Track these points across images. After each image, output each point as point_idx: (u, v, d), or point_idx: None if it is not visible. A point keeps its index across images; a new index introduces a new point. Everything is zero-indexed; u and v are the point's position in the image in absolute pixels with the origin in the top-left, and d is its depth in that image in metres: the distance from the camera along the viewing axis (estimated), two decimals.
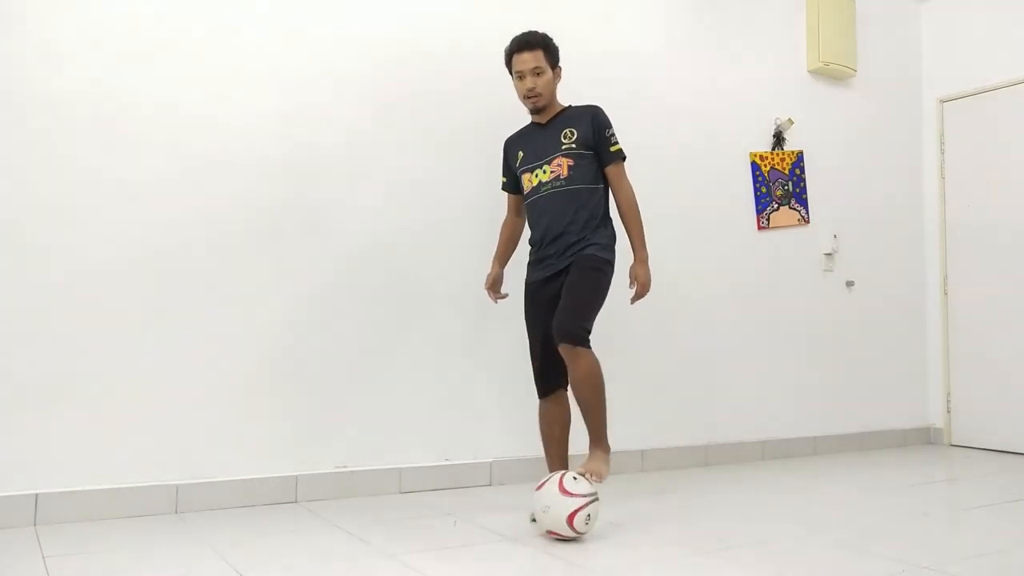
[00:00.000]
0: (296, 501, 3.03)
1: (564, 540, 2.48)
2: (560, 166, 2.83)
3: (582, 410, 2.73)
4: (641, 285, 2.86)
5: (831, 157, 4.64)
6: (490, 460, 3.45)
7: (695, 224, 4.12)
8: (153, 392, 2.83)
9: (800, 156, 4.50)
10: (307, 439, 3.09)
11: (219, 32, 3.01)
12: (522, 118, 3.05)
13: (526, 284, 2.97)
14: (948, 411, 4.88)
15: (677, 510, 2.99)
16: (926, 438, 4.95)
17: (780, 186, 4.43)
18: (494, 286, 3.11)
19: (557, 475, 2.52)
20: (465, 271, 3.40)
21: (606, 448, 2.75)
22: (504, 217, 3.15)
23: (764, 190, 4.38)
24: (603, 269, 2.80)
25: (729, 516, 2.91)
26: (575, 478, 2.51)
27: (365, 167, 3.27)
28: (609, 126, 2.88)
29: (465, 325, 3.43)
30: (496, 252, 3.14)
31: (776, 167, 4.42)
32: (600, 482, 2.59)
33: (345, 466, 3.16)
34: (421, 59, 3.41)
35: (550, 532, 2.49)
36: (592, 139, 2.84)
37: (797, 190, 4.49)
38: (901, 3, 5.06)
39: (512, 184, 3.05)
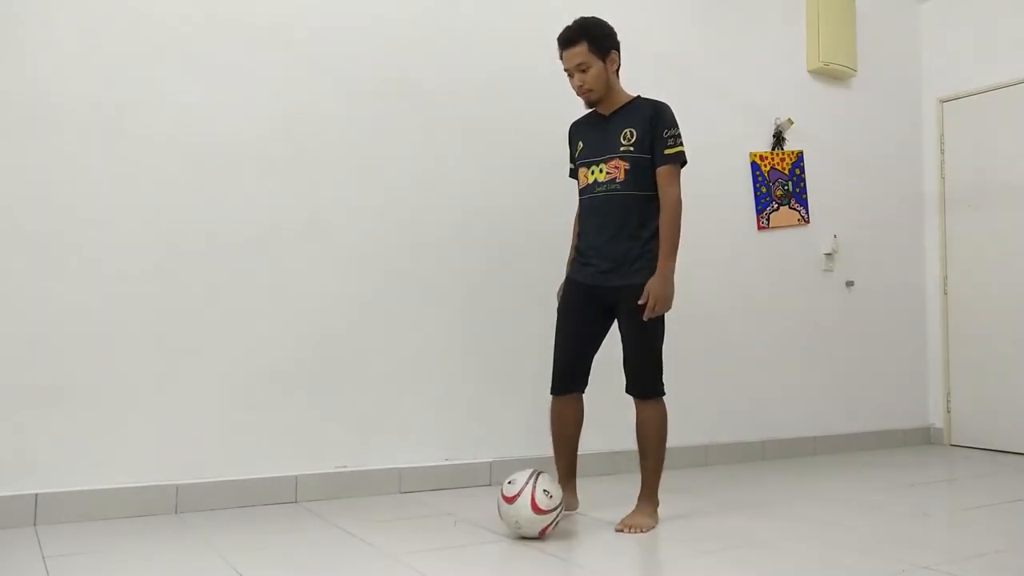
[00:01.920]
0: (296, 501, 3.03)
1: (557, 523, 2.52)
2: (617, 168, 2.69)
3: (640, 452, 2.74)
4: (653, 297, 2.62)
5: (831, 157, 4.64)
6: (490, 460, 3.45)
7: (695, 224, 4.09)
8: (153, 392, 2.83)
9: (800, 156, 4.50)
10: (307, 439, 3.09)
11: (221, 32, 3.01)
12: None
13: (568, 278, 2.84)
14: (948, 411, 4.88)
15: (677, 510, 2.98)
16: (926, 438, 4.95)
17: (780, 186, 4.43)
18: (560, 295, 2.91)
19: (528, 491, 2.43)
20: (466, 271, 3.40)
21: (655, 501, 2.75)
22: (577, 210, 2.91)
23: (764, 190, 4.37)
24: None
25: (730, 516, 2.91)
26: (509, 481, 2.49)
27: (366, 168, 3.27)
28: (672, 125, 2.70)
29: (465, 325, 3.42)
30: (569, 259, 2.92)
31: (776, 167, 4.42)
32: (642, 533, 2.61)
33: (345, 466, 3.16)
34: (422, 58, 3.41)
35: (542, 532, 2.49)
36: (649, 139, 2.68)
37: (797, 190, 4.49)
38: (901, 3, 5.06)
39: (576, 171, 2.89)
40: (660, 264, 2.67)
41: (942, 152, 4.97)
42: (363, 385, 3.21)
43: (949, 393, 4.87)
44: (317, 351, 3.13)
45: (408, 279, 3.33)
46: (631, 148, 2.69)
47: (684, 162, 2.75)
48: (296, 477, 3.05)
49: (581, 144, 2.81)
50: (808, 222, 4.52)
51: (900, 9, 5.05)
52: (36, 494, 2.63)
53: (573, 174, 2.92)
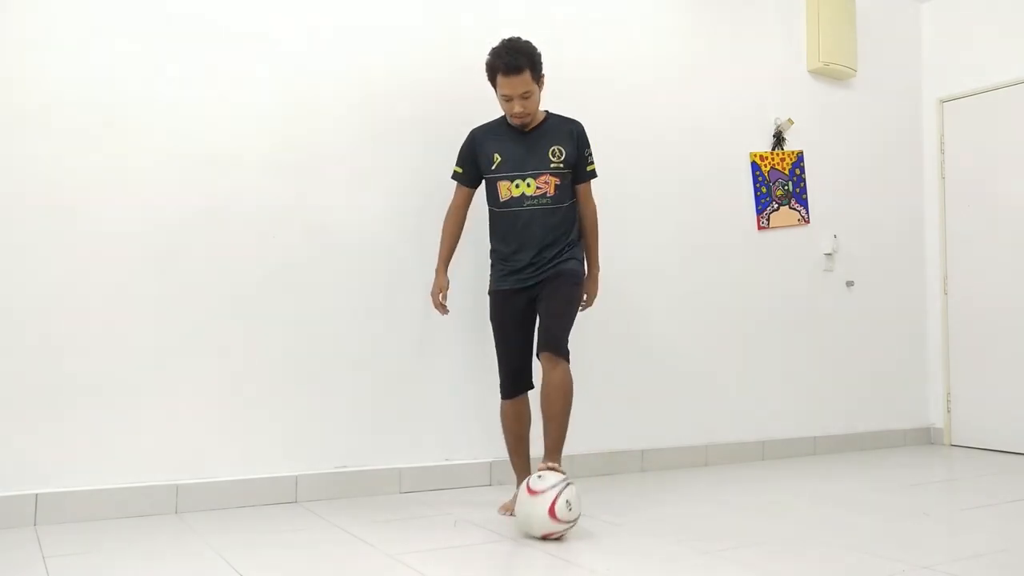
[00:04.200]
0: (296, 501, 3.03)
1: (562, 536, 2.49)
2: (547, 184, 2.85)
3: (548, 418, 2.74)
4: (591, 298, 3.04)
5: (831, 157, 4.64)
6: (490, 460, 3.45)
7: (695, 224, 4.12)
8: (153, 392, 2.83)
9: (800, 156, 4.50)
10: (307, 439, 3.09)
11: (223, 33, 3.01)
12: None
13: (495, 292, 2.97)
14: (948, 411, 4.88)
15: (677, 510, 2.99)
16: (926, 438, 4.95)
17: (780, 186, 4.43)
18: (444, 296, 3.00)
19: (552, 493, 2.45)
20: (463, 271, 3.40)
21: (559, 462, 2.76)
22: (447, 210, 3.04)
23: (764, 190, 4.38)
24: (580, 284, 2.92)
25: (729, 516, 2.91)
26: (539, 476, 2.52)
27: (366, 168, 3.27)
28: (588, 144, 2.96)
29: (464, 324, 3.42)
30: (441, 255, 3.02)
31: (776, 167, 4.42)
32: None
33: (345, 466, 3.16)
34: (423, 61, 3.41)
35: (545, 536, 2.49)
36: (574, 158, 2.91)
37: (797, 190, 4.49)
38: (901, 3, 5.06)
39: (469, 178, 2.98)
40: (593, 271, 3.02)
41: (942, 152, 4.97)
42: (363, 385, 3.22)
43: (949, 393, 4.87)
44: (317, 351, 3.13)
45: (408, 279, 3.33)
46: (560, 165, 2.87)
47: (596, 176, 3.01)
48: (296, 477, 3.05)
49: (499, 158, 2.89)
50: (808, 222, 4.53)
51: (900, 9, 5.05)
52: (36, 494, 2.63)
53: (460, 178, 3.01)
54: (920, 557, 2.34)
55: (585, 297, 3.00)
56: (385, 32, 3.34)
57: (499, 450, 3.46)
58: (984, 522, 2.86)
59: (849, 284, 4.67)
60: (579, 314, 2.93)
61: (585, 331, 3.34)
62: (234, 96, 3.02)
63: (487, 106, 3.47)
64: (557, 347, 2.76)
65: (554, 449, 2.76)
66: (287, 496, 3.02)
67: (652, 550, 2.44)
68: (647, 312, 3.78)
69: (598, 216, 3.03)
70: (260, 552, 2.35)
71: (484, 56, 3.48)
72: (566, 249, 2.90)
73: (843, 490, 3.44)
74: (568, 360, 2.78)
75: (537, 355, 2.82)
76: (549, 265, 2.87)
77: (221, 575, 2.12)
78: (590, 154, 2.97)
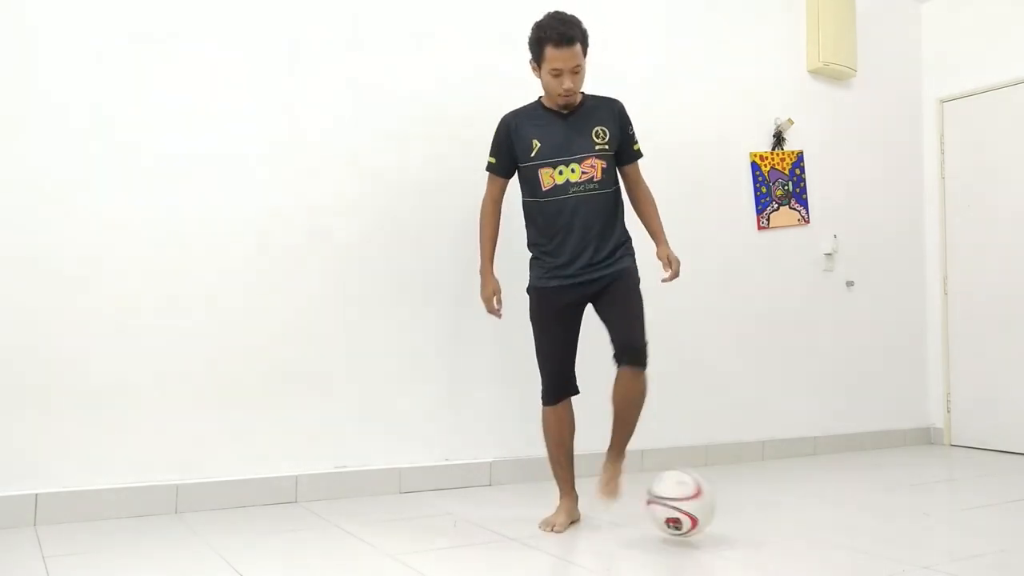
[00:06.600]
0: (296, 501, 3.03)
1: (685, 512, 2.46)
2: (594, 167, 2.65)
3: (622, 423, 2.67)
4: (677, 263, 2.76)
5: (831, 157, 4.64)
6: (490, 460, 3.45)
7: (695, 224, 4.12)
8: (153, 392, 2.83)
9: (800, 156, 4.50)
10: (307, 439, 3.09)
11: (223, 37, 3.01)
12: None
13: (538, 289, 2.74)
14: (948, 411, 4.88)
15: None
16: (926, 438, 4.95)
17: (780, 186, 4.43)
18: (498, 300, 2.79)
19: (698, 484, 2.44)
20: (465, 270, 3.40)
21: (623, 457, 2.72)
22: (483, 205, 2.82)
23: (764, 190, 4.38)
24: (639, 283, 2.74)
25: (729, 516, 2.91)
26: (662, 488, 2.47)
27: (365, 168, 3.27)
28: (631, 122, 2.79)
29: (465, 325, 3.42)
30: (484, 255, 2.80)
31: (776, 167, 4.42)
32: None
33: (345, 466, 3.16)
34: (422, 64, 3.41)
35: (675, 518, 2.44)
36: (619, 138, 2.73)
37: (797, 190, 4.49)
38: (901, 3, 5.06)
39: (505, 168, 2.77)
40: (664, 237, 2.81)
41: (942, 152, 4.97)
42: (363, 385, 3.21)
43: (949, 393, 4.87)
44: (317, 351, 3.13)
45: (408, 279, 3.33)
46: (606, 147, 2.69)
47: (642, 155, 2.85)
48: (296, 477, 3.05)
49: (538, 144, 2.67)
50: (808, 222, 4.52)
51: (900, 9, 5.05)
52: (36, 494, 2.63)
53: (495, 169, 2.78)
54: (920, 557, 2.34)
55: (671, 268, 2.75)
56: (386, 37, 3.33)
57: (499, 450, 3.47)
58: (984, 522, 2.86)
59: (849, 284, 4.67)
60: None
61: (585, 331, 3.33)
62: (233, 95, 3.02)
63: (488, 106, 3.48)
64: (641, 357, 2.59)
65: (621, 446, 2.70)
66: (287, 496, 3.02)
67: (652, 550, 2.44)
68: (646, 312, 3.77)
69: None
70: (260, 552, 2.35)
71: (483, 57, 3.49)
72: (621, 246, 2.71)
73: (843, 490, 3.44)
74: (647, 367, 2.62)
75: (617, 363, 2.62)
76: (607, 263, 2.66)
77: (221, 575, 2.12)
78: (634, 132, 2.78)
